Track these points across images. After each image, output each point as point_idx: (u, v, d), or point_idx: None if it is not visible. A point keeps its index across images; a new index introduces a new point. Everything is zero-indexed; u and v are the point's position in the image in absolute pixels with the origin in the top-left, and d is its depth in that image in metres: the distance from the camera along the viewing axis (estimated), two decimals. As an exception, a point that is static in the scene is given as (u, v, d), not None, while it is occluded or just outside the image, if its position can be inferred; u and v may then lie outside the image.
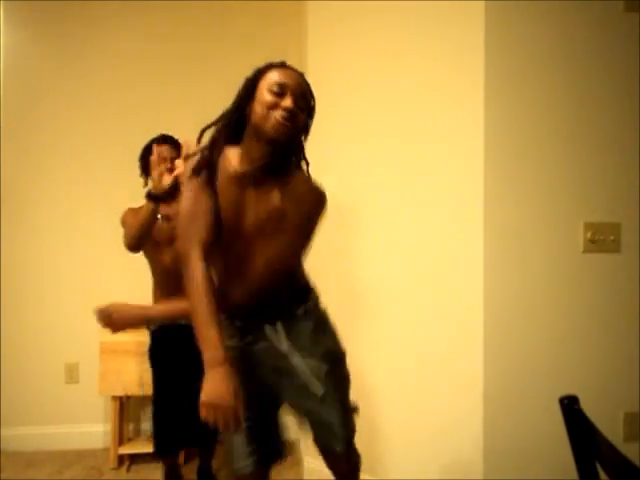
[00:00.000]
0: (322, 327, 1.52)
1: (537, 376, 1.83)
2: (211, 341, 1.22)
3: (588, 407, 0.95)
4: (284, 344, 1.42)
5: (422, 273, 2.00)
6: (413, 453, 2.02)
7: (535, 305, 1.84)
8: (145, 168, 2.26)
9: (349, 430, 1.57)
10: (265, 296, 1.40)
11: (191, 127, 3.00)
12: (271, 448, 1.48)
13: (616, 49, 1.88)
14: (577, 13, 1.85)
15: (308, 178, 1.44)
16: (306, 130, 1.44)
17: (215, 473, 2.39)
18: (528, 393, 1.83)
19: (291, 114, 1.30)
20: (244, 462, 1.40)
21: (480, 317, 1.81)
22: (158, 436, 2.20)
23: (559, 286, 1.85)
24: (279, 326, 1.42)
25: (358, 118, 2.16)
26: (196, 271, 1.27)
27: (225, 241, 1.36)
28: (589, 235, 1.85)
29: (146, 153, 2.24)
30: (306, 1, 2.42)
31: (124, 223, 2.22)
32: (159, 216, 2.16)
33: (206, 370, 1.21)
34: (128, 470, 2.53)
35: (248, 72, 1.44)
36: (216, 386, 1.20)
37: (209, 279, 1.28)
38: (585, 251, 1.85)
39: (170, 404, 2.16)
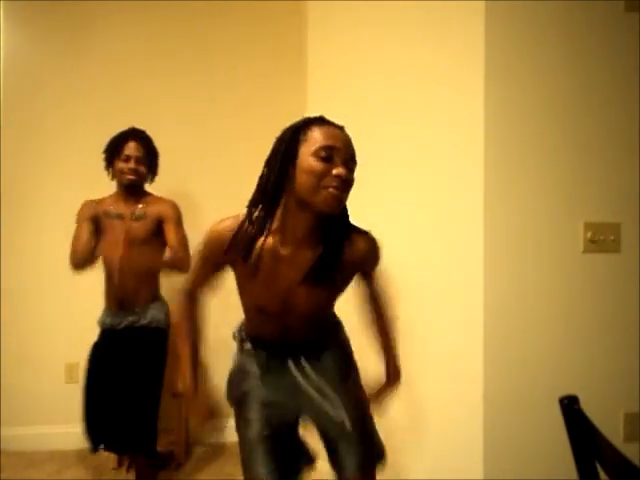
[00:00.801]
0: (346, 365, 1.51)
1: (537, 376, 1.83)
2: (183, 373, 1.37)
3: (588, 407, 0.95)
4: (306, 379, 1.39)
5: (422, 273, 2.00)
6: (412, 453, 2.02)
7: (535, 305, 1.84)
8: (110, 160, 2.27)
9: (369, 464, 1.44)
10: (293, 338, 1.38)
11: (191, 125, 3.03)
12: (291, 464, 1.45)
13: (616, 49, 1.88)
14: (577, 13, 1.85)
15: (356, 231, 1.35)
16: None
17: None
18: (528, 393, 1.83)
19: (345, 184, 1.16)
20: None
21: (480, 317, 1.81)
22: (88, 434, 2.22)
23: (559, 286, 1.85)
24: (303, 361, 1.40)
25: (358, 116, 2.16)
26: (176, 313, 1.40)
27: (255, 296, 1.32)
28: (589, 235, 1.85)
29: (113, 146, 2.26)
30: (306, 0, 2.42)
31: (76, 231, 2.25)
32: (114, 215, 2.22)
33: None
34: (128, 470, 2.53)
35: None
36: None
37: (188, 320, 1.39)
38: (585, 251, 1.85)
39: (97, 401, 2.19)
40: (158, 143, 2.84)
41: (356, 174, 1.25)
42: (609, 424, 1.86)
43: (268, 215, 1.21)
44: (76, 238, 2.22)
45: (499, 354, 1.82)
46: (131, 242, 2.22)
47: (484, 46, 1.80)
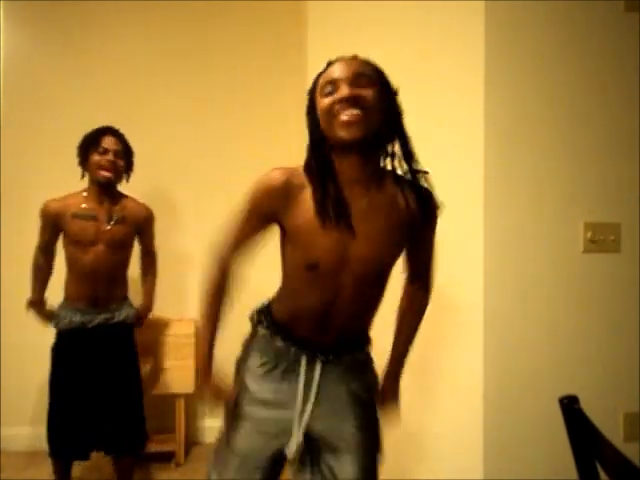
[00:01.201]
0: (370, 392, 1.34)
1: (537, 376, 1.83)
2: (201, 354, 1.29)
3: (588, 407, 0.95)
4: (305, 400, 1.22)
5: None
6: (412, 453, 2.02)
7: (535, 305, 1.84)
8: (84, 157, 2.15)
9: None
10: (337, 317, 1.23)
11: (191, 124, 3.03)
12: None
13: (616, 49, 1.88)
14: (577, 13, 1.85)
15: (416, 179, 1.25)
16: (390, 108, 1.22)
17: None
18: (528, 393, 1.83)
19: (351, 100, 1.09)
20: None
21: (480, 316, 1.81)
22: (54, 439, 2.14)
23: (559, 286, 1.85)
24: (317, 369, 1.23)
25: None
26: (209, 287, 1.26)
27: (309, 249, 1.17)
28: (589, 235, 1.85)
29: (90, 139, 2.15)
30: (306, 0, 2.42)
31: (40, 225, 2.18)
32: (85, 214, 2.13)
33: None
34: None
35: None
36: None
37: (219, 296, 1.26)
38: (585, 251, 1.85)
39: (70, 406, 2.09)
40: (158, 142, 2.85)
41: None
42: (609, 424, 1.86)
43: (320, 161, 1.16)
44: (41, 241, 2.19)
45: (499, 354, 1.82)
46: (108, 244, 2.14)
47: (484, 46, 1.80)
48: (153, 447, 2.59)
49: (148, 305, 2.36)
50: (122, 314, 2.18)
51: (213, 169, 2.91)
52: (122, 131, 2.31)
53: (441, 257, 1.96)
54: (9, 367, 2.75)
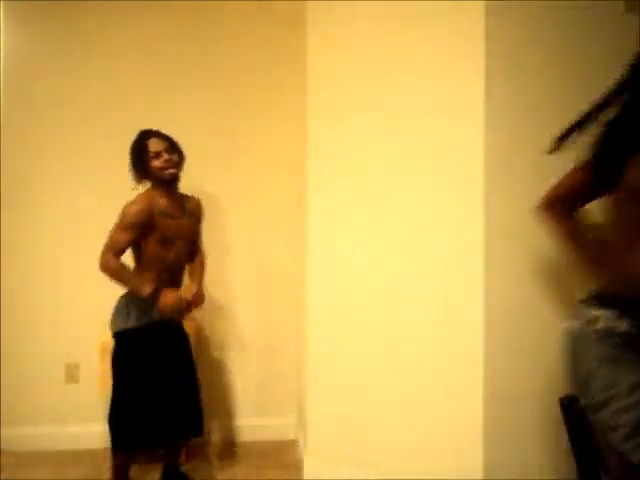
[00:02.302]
0: None
1: (537, 376, 1.83)
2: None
3: (588, 407, 0.95)
4: None
5: (421, 272, 2.00)
6: (412, 453, 2.02)
7: (535, 305, 1.84)
8: (140, 164, 2.16)
9: None
10: None
11: (191, 123, 3.03)
12: None
13: (616, 49, 1.88)
14: (577, 13, 1.85)
15: None
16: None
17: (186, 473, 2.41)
18: (528, 393, 1.83)
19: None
20: None
21: (480, 316, 1.81)
22: (122, 434, 2.14)
23: (559, 284, 1.85)
24: None
25: (357, 115, 2.16)
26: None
27: None
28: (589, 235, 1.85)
29: (138, 153, 2.16)
30: (306, 0, 2.42)
31: (119, 228, 2.12)
32: (165, 212, 2.14)
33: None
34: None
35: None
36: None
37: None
38: (585, 251, 1.85)
39: (138, 403, 2.11)
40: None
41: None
42: (609, 424, 1.86)
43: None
44: (122, 242, 2.13)
45: (499, 354, 1.82)
46: (186, 239, 2.22)
47: (484, 46, 1.80)
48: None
49: (202, 294, 2.34)
50: None
51: (211, 167, 2.91)
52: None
53: (441, 256, 1.97)
54: (9, 367, 2.75)
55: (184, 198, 2.27)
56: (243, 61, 2.88)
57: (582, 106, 1.88)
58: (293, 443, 2.70)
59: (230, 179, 2.86)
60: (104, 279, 2.72)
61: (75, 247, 2.80)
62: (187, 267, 2.36)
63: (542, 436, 1.81)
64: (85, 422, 2.79)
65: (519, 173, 1.83)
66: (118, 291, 2.23)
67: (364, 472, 2.13)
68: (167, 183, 2.16)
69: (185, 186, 2.30)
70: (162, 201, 2.14)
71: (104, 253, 2.12)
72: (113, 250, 2.12)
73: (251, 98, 2.88)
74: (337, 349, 2.23)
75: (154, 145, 2.14)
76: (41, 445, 2.76)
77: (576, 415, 0.92)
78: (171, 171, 2.14)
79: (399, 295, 2.06)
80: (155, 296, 2.09)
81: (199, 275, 2.37)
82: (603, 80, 1.88)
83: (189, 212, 2.23)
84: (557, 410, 0.96)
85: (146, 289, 2.09)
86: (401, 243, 2.06)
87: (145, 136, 2.18)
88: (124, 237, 2.10)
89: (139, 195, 2.14)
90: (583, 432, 0.91)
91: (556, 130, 1.87)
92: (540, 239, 1.86)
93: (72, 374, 2.79)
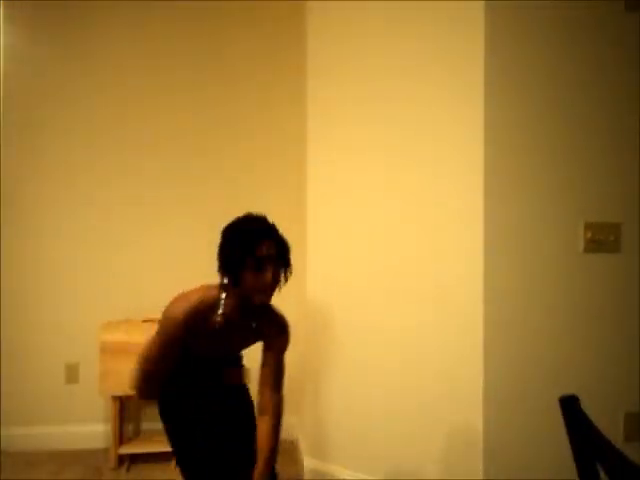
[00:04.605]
0: None
1: (537, 376, 1.83)
2: None
3: (588, 407, 0.95)
4: None
5: (422, 272, 2.00)
6: (412, 453, 2.02)
7: (535, 305, 1.84)
8: (234, 273, 1.42)
9: None
10: None
11: (192, 123, 3.03)
12: None
13: (616, 49, 1.88)
14: (577, 13, 1.85)
15: None
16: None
17: None
18: (528, 393, 1.83)
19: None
20: None
21: (480, 316, 1.81)
22: None
23: (559, 286, 1.85)
24: None
25: (357, 117, 2.16)
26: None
27: None
28: (589, 235, 1.85)
29: (239, 251, 1.40)
30: (306, 1, 2.42)
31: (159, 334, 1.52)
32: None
33: None
34: (128, 470, 2.53)
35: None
36: None
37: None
38: (585, 251, 1.85)
39: (202, 463, 1.60)
40: (158, 141, 2.85)
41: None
42: (609, 424, 1.86)
43: None
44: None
45: (499, 354, 1.82)
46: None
47: (484, 45, 1.80)
48: (153, 447, 2.59)
49: None
50: None
51: (209, 169, 2.91)
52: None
53: (441, 257, 1.96)
54: (9, 367, 2.75)
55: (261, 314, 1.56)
56: (245, 62, 2.88)
57: (582, 107, 1.89)
58: (293, 443, 2.69)
59: (224, 180, 2.86)
60: (104, 278, 2.72)
61: (75, 247, 2.81)
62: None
63: (542, 436, 1.81)
64: (85, 422, 2.79)
65: (519, 176, 1.83)
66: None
67: (364, 472, 2.13)
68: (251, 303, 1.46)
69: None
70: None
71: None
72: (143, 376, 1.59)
73: (250, 101, 2.88)
74: (337, 349, 2.23)
75: (262, 251, 1.40)
76: (41, 445, 2.76)
77: (576, 415, 0.92)
78: (263, 299, 1.45)
79: (399, 297, 2.06)
80: None
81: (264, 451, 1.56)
82: (603, 80, 1.89)
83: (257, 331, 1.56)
84: (557, 410, 0.95)
85: None
86: (401, 244, 2.06)
87: (254, 235, 1.42)
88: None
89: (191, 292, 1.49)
90: (583, 432, 0.91)
91: (556, 131, 1.87)
92: (539, 240, 1.87)
93: (72, 374, 2.79)
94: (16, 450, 2.72)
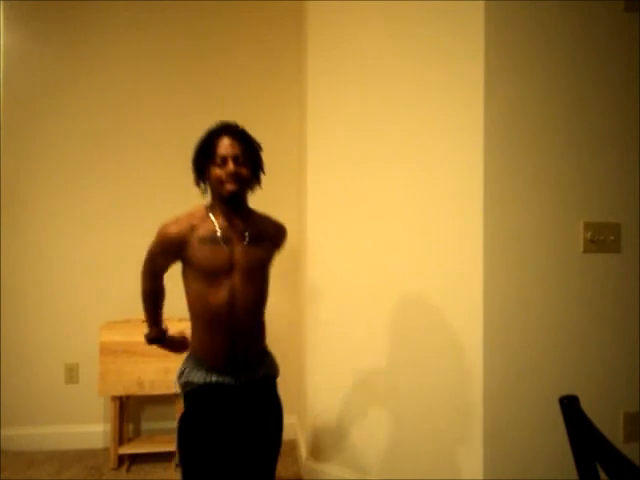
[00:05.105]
0: None
1: (537, 376, 1.83)
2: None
3: (588, 407, 0.95)
4: None
5: (421, 273, 2.00)
6: (412, 453, 2.02)
7: (535, 305, 1.84)
8: (201, 171, 1.61)
9: None
10: None
11: (192, 123, 3.03)
12: None
13: (616, 49, 1.88)
14: (577, 13, 1.85)
15: None
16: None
17: None
18: (528, 393, 1.83)
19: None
20: None
21: (480, 317, 1.81)
22: None
23: (559, 286, 1.85)
24: None
25: (357, 119, 2.16)
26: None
27: None
28: (589, 235, 1.85)
29: (203, 151, 1.60)
30: (306, 1, 2.42)
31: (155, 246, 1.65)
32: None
33: None
34: (128, 470, 2.53)
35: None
36: None
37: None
38: (585, 251, 1.86)
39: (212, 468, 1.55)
40: (158, 141, 2.85)
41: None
42: (609, 424, 1.86)
43: None
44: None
45: (499, 354, 1.82)
46: (242, 275, 1.60)
47: (484, 45, 1.80)
48: (153, 447, 2.60)
49: None
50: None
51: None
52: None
53: (441, 257, 1.96)
54: (9, 367, 2.75)
55: (253, 220, 1.65)
56: (245, 62, 2.88)
57: (582, 107, 1.89)
58: (293, 443, 2.69)
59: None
60: (104, 279, 2.72)
61: (75, 247, 2.81)
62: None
63: (542, 436, 1.81)
64: (85, 422, 2.79)
65: (519, 176, 1.83)
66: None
67: (364, 472, 2.13)
68: (226, 201, 1.59)
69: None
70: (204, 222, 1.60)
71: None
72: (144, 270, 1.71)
73: (249, 99, 2.88)
74: (337, 350, 2.23)
75: (224, 148, 1.56)
76: (41, 445, 2.76)
77: (576, 415, 0.92)
78: (230, 188, 1.55)
79: (399, 298, 2.06)
80: (152, 344, 1.72)
81: None
82: (603, 80, 1.89)
83: (252, 237, 1.59)
84: (557, 410, 0.95)
85: (149, 333, 1.72)
86: (401, 245, 2.06)
87: (217, 132, 1.60)
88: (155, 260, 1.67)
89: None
90: (583, 432, 0.91)
91: (555, 131, 1.87)
92: (539, 240, 1.87)
93: (72, 374, 2.79)
94: (16, 450, 2.72)
